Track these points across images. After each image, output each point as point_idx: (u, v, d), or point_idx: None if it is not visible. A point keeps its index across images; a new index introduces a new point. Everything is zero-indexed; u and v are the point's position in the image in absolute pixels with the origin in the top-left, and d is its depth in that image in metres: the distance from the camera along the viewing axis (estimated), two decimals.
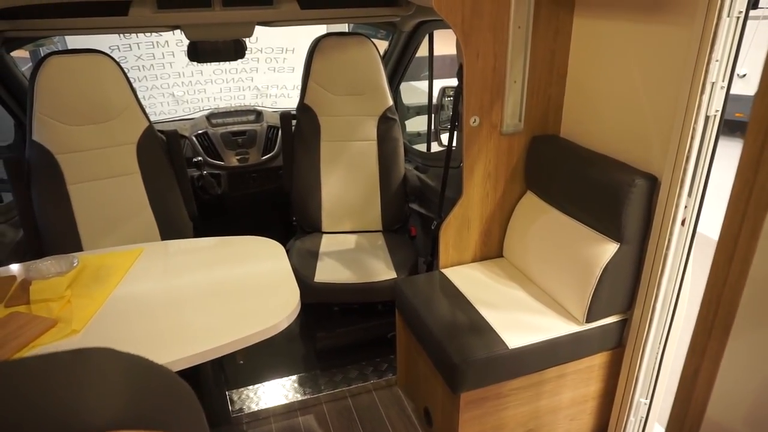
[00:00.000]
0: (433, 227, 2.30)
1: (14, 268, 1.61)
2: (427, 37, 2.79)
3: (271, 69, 3.20)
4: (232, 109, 3.11)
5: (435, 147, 3.08)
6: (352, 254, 2.46)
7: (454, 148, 2.20)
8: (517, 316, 1.82)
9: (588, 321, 1.76)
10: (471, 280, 2.05)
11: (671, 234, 1.57)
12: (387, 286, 2.23)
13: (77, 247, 2.15)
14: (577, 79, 1.95)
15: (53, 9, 1.87)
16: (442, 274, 2.09)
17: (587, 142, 1.93)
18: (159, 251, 1.72)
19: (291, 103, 3.32)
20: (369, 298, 2.31)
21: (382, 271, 2.30)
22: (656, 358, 1.76)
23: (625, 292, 1.75)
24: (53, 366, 0.46)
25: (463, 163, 1.99)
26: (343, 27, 3.24)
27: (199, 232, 2.47)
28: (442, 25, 2.57)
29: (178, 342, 1.26)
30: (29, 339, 1.27)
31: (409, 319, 1.99)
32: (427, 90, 2.99)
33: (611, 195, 1.66)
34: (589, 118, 1.92)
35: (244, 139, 2.85)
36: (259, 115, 3.03)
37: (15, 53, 2.43)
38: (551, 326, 1.77)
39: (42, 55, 2.17)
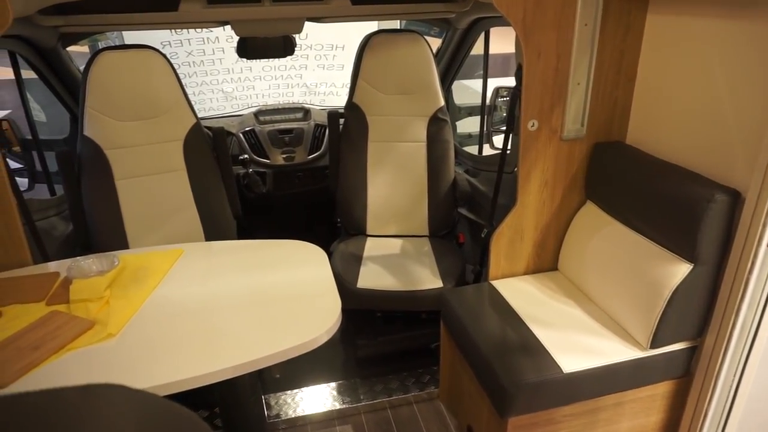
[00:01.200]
0: (483, 235, 2.19)
1: (58, 264, 1.60)
2: (482, 36, 2.66)
3: (321, 66, 3.14)
4: (280, 107, 3.08)
5: (487, 150, 2.95)
6: (397, 260, 2.37)
7: (508, 153, 2.07)
8: (573, 336, 1.69)
9: (652, 347, 1.60)
10: (523, 293, 1.92)
11: (755, 256, 1.40)
12: (432, 295, 2.13)
13: (123, 242, 2.15)
14: (648, 81, 1.79)
15: (106, 5, 1.86)
16: (492, 286, 1.97)
17: (657, 151, 1.77)
18: (199, 253, 1.68)
19: (340, 101, 3.26)
20: (413, 307, 2.22)
21: (428, 279, 2.20)
22: (730, 391, 1.59)
23: (696, 317, 1.59)
24: (58, 404, 0.40)
25: (519, 169, 1.86)
26: (395, 24, 3.15)
27: (243, 230, 2.44)
28: (500, 22, 2.45)
29: (212, 353, 1.21)
30: (66, 341, 1.24)
31: (455, 332, 1.88)
32: (479, 90, 2.87)
33: (686, 210, 1.50)
34: (660, 125, 1.76)
35: (291, 137, 2.81)
36: (306, 113, 2.99)
37: (76, 48, 2.47)
38: (611, 350, 1.62)
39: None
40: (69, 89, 2.47)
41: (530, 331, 1.72)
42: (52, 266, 1.59)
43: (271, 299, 1.43)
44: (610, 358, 1.59)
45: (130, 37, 2.67)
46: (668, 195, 1.57)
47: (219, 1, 1.95)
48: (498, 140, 3.16)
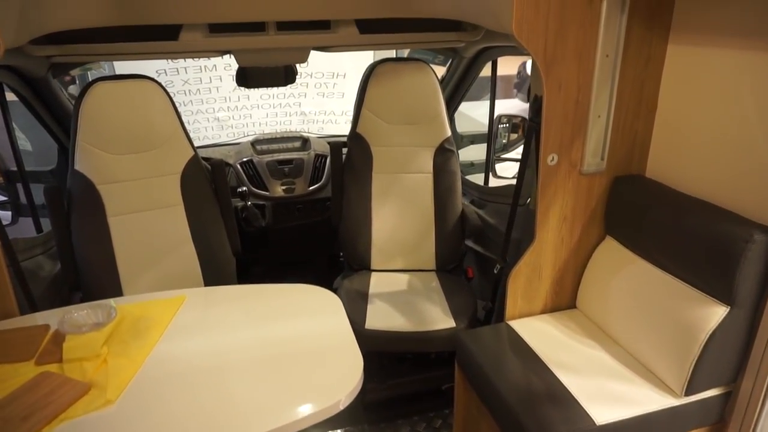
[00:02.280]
0: (495, 270, 2.09)
1: (48, 315, 1.47)
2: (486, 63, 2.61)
3: (321, 94, 3.06)
4: (278, 135, 2.99)
5: (492, 179, 2.88)
6: (405, 297, 2.26)
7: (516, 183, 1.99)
8: (602, 383, 1.59)
9: (687, 394, 1.51)
10: (543, 335, 1.82)
11: None
12: (445, 335, 2.03)
13: (115, 282, 2.02)
14: (669, 112, 1.73)
15: (101, 34, 1.76)
16: (510, 327, 1.87)
17: (679, 184, 1.70)
18: (202, 300, 1.56)
19: (339, 129, 3.18)
20: (425, 348, 2.11)
21: (440, 318, 2.09)
22: None
23: (732, 361, 1.50)
24: None
25: (537, 205, 1.78)
26: (392, 51, 3.09)
27: (241, 265, 2.32)
28: (508, 51, 2.39)
29: (220, 422, 1.09)
30: (60, 408, 1.11)
31: (473, 376, 1.78)
32: (476, 117, 2.81)
33: (720, 250, 1.42)
34: (682, 157, 1.70)
35: (291, 168, 2.71)
36: (305, 142, 2.89)
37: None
38: (643, 398, 1.53)
39: (90, 79, 2.08)
40: (58, 120, 2.35)
41: (555, 377, 1.62)
42: (41, 317, 1.46)
43: (283, 355, 1.31)
44: (643, 408, 1.49)
45: (123, 65, 2.56)
46: (700, 233, 1.49)
47: (221, 30, 1.86)
48: (501, 168, 3.10)
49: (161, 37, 1.83)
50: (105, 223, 2.00)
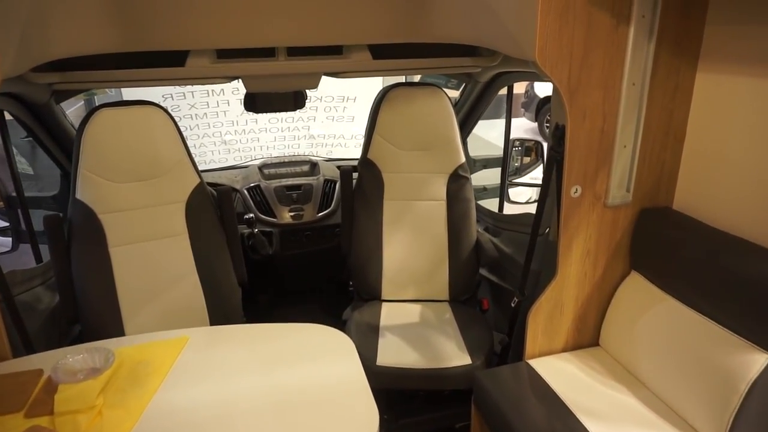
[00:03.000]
0: (513, 304, 2.00)
1: (42, 358, 1.38)
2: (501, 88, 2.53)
3: (330, 118, 3.00)
4: (286, 159, 2.92)
5: (505, 204, 2.80)
6: (417, 330, 2.17)
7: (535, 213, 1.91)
8: (630, 431, 1.48)
9: None
10: (565, 375, 1.72)
11: None
12: (461, 373, 1.92)
13: (116, 314, 1.93)
14: (698, 142, 1.65)
15: (106, 60, 1.70)
16: (530, 366, 1.77)
17: (710, 218, 1.61)
18: (206, 341, 1.47)
19: (347, 152, 3.11)
20: (439, 386, 2.00)
21: (455, 354, 1.99)
22: None
23: None
24: None
25: (560, 238, 1.69)
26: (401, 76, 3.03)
27: (246, 293, 2.23)
28: (525, 76, 2.32)
29: None
30: None
31: (491, 418, 1.68)
32: (489, 139, 2.73)
33: (762, 294, 1.33)
34: (712, 190, 1.61)
35: (299, 194, 2.63)
36: (314, 166, 2.82)
37: None
38: None
39: (96, 104, 2.02)
40: (61, 146, 2.28)
41: (581, 424, 1.51)
42: (35, 360, 1.37)
43: (293, 404, 1.22)
44: None
45: (130, 90, 2.50)
46: (738, 274, 1.40)
47: (229, 55, 1.79)
48: (514, 193, 3.01)
49: (167, 63, 1.77)
50: (106, 253, 1.92)
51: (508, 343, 2.11)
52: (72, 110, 2.64)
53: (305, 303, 3.18)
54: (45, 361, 1.34)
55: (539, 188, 3.00)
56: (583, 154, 1.60)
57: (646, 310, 1.67)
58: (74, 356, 1.28)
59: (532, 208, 2.51)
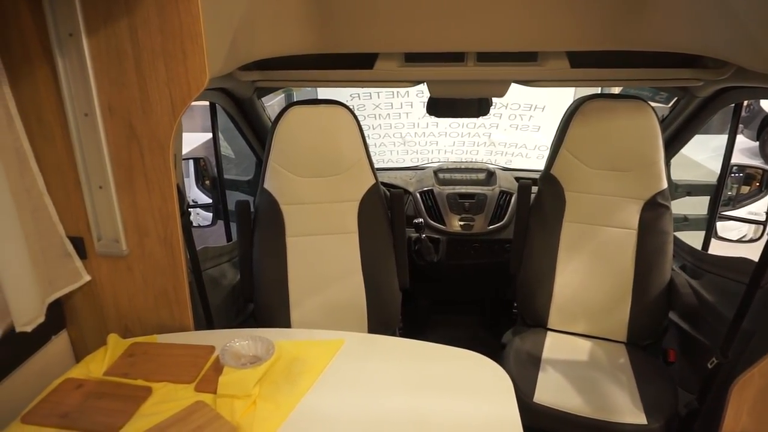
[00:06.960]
0: (710, 365, 1.67)
1: (216, 335, 1.49)
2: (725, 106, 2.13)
3: (514, 126, 2.85)
4: (463, 165, 2.85)
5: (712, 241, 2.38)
6: (585, 370, 1.93)
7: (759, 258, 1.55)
8: None
9: None
10: None
11: None
12: None
13: (284, 299, 2.05)
14: None
15: (302, 60, 1.79)
16: None
17: None
18: (360, 348, 1.45)
19: (528, 163, 2.92)
20: None
21: (627, 409, 1.73)
22: None
23: None
24: None
25: None
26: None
27: (406, 294, 2.20)
28: (761, 93, 1.92)
29: None
30: None
31: None
32: (697, 158, 2.32)
33: None
34: None
35: (472, 203, 2.53)
36: (491, 175, 2.70)
37: None
38: None
39: (294, 99, 2.16)
40: (258, 137, 2.50)
41: None
42: (210, 337, 1.48)
43: None
44: None
45: (323, 89, 2.64)
46: None
47: (417, 59, 1.76)
48: (723, 228, 2.55)
49: (357, 65, 1.80)
50: (284, 241, 2.04)
51: (696, 409, 1.78)
52: (273, 102, 2.86)
53: (464, 315, 3.08)
54: (217, 339, 1.44)
55: (758, 225, 2.51)
56: None
57: None
58: (240, 341, 1.35)
59: (744, 250, 2.09)
